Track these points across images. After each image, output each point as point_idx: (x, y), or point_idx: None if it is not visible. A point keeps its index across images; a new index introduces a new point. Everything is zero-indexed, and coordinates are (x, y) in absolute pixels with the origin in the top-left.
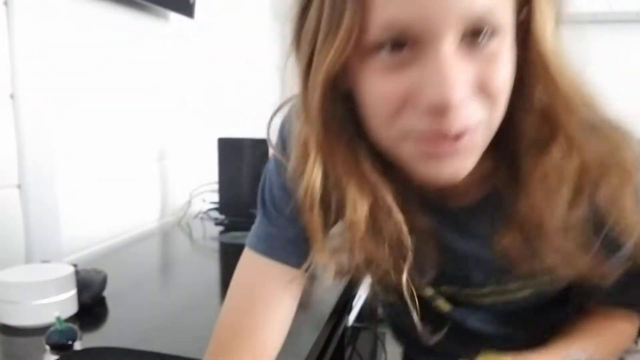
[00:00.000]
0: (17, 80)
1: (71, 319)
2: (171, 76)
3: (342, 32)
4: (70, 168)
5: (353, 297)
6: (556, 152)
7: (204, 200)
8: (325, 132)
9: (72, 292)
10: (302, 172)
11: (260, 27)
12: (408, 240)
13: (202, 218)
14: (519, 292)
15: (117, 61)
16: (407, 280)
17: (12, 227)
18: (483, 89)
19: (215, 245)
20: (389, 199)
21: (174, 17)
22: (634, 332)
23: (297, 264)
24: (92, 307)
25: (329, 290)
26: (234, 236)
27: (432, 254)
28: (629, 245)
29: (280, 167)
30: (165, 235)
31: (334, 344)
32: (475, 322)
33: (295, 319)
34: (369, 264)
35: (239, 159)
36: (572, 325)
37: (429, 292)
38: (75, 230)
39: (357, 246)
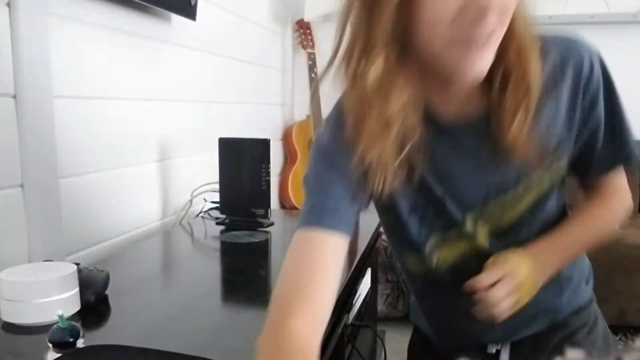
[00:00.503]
0: (19, 80)
1: (74, 317)
2: (173, 77)
3: None
4: (73, 167)
5: (353, 295)
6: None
7: (205, 200)
8: (389, 53)
9: (75, 290)
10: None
11: (260, 28)
12: (416, 134)
13: (203, 217)
14: (523, 199)
15: (119, 62)
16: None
17: (15, 226)
18: (503, 7)
19: (216, 245)
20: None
21: (176, 19)
22: (624, 207)
23: (344, 230)
24: (94, 305)
25: None
26: (234, 235)
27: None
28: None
29: (336, 132)
30: (166, 234)
31: (333, 342)
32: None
33: None
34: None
35: (240, 159)
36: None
37: (469, 225)
38: (78, 229)
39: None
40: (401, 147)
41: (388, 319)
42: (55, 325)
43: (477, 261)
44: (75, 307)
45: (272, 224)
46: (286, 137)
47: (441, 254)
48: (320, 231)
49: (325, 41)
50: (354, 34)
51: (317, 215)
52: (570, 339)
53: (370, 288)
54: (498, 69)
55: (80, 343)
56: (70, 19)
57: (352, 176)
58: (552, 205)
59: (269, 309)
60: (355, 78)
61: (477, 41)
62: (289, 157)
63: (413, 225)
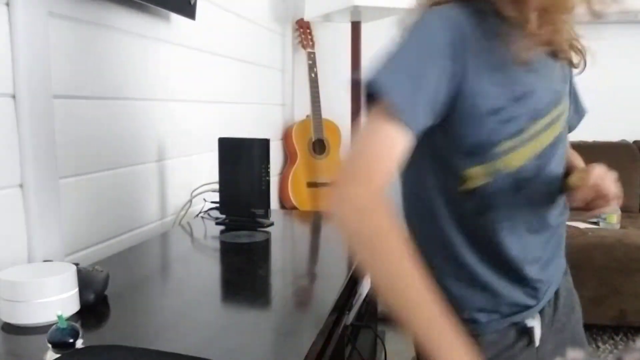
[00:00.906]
0: (18, 80)
1: (73, 317)
2: (172, 77)
3: None
4: (72, 167)
5: (353, 295)
6: None
7: (204, 200)
8: None
9: (74, 290)
10: None
11: (260, 28)
12: None
13: (202, 217)
14: (563, 117)
15: (118, 62)
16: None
17: (14, 226)
18: None
19: (216, 245)
20: None
21: (175, 18)
22: None
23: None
24: (93, 305)
25: (329, 288)
26: (234, 235)
27: None
28: None
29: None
30: (166, 234)
31: (334, 342)
32: (555, 162)
33: (294, 318)
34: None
35: (240, 159)
36: None
37: (542, 123)
38: (77, 229)
39: None
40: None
41: (388, 319)
42: (54, 326)
43: (535, 168)
44: (75, 307)
45: (271, 224)
46: (286, 137)
47: (507, 159)
48: (399, 127)
49: (325, 41)
50: None
51: (405, 108)
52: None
53: (371, 288)
54: None
55: (79, 343)
56: (69, 19)
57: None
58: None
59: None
60: None
61: None
62: (289, 157)
63: (491, 127)
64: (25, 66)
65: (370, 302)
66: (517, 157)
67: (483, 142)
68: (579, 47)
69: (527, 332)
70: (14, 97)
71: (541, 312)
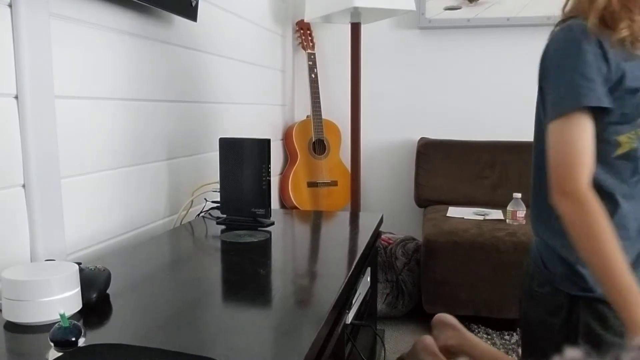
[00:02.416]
0: (21, 81)
1: (75, 316)
2: (174, 77)
3: None
4: (74, 167)
5: (353, 294)
6: None
7: (205, 200)
8: None
9: (76, 289)
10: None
11: (261, 29)
12: None
13: (203, 217)
14: None
15: (120, 63)
16: None
17: (17, 225)
18: None
19: (217, 244)
20: None
21: (177, 20)
22: None
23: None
24: (96, 304)
25: (328, 288)
26: (235, 235)
27: None
28: None
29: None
30: (167, 233)
31: (333, 341)
32: None
33: (295, 317)
34: None
35: (240, 159)
36: None
37: None
38: (79, 228)
39: None
40: None
41: (387, 318)
42: (56, 325)
43: None
44: (77, 306)
45: (272, 223)
46: (286, 137)
47: None
48: (586, 115)
49: (325, 42)
50: None
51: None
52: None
53: (370, 287)
54: None
55: (81, 342)
56: (71, 20)
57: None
58: None
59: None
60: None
61: None
62: (289, 157)
63: (638, 100)
64: (27, 67)
65: (369, 301)
66: None
67: (629, 113)
68: None
69: None
70: (16, 97)
71: None
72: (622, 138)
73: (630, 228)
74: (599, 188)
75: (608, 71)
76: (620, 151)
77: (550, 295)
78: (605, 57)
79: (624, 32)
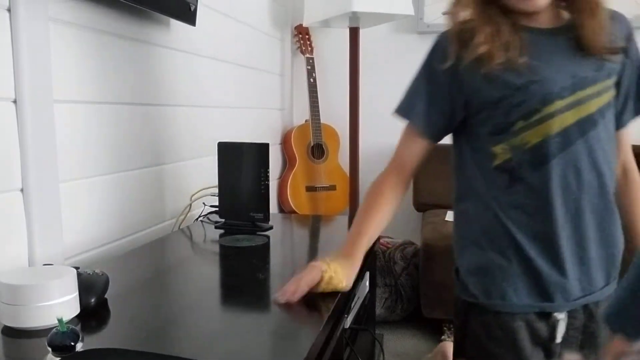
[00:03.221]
0: (19, 85)
1: (73, 321)
2: (172, 82)
3: None
4: (72, 172)
5: (351, 298)
6: None
7: (204, 204)
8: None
9: (74, 294)
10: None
11: (260, 34)
12: (510, 36)
13: (202, 221)
14: (594, 101)
15: (118, 67)
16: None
17: (15, 230)
18: None
19: (215, 248)
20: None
21: (175, 24)
22: None
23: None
24: (94, 309)
25: (327, 292)
26: (233, 239)
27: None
28: None
29: (440, 44)
30: (165, 238)
31: (332, 345)
32: (585, 145)
33: (294, 321)
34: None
35: (239, 163)
36: None
37: (558, 105)
38: (77, 233)
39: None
40: (503, 48)
41: (386, 323)
42: (54, 329)
43: (558, 145)
44: (75, 310)
45: (271, 227)
46: (285, 142)
47: (526, 136)
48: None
49: (323, 46)
50: None
51: (414, 116)
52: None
53: (369, 292)
54: None
55: (79, 347)
56: (70, 24)
57: (444, 84)
58: (610, 127)
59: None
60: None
61: None
62: (288, 161)
63: (503, 111)
64: (26, 71)
65: (368, 305)
66: (533, 135)
67: (498, 123)
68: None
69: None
70: (15, 102)
71: (572, 313)
72: (496, 149)
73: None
74: (479, 197)
75: (457, 89)
76: (497, 162)
77: (455, 300)
78: (455, 73)
79: (482, 49)
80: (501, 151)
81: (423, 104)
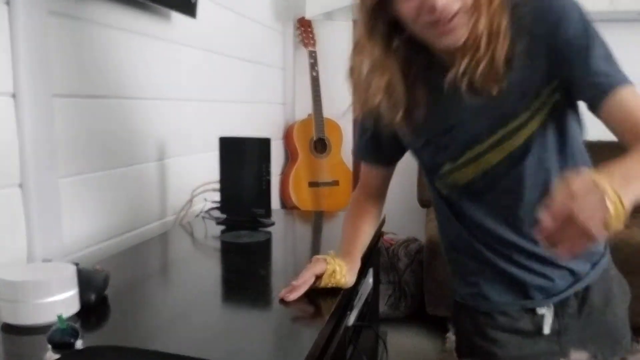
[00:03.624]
0: (18, 79)
1: (73, 317)
2: (173, 75)
3: None
4: (72, 167)
5: (355, 295)
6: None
7: (205, 200)
8: (374, 47)
9: (74, 291)
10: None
11: (261, 26)
12: (402, 94)
13: (203, 217)
14: (520, 133)
15: (118, 61)
16: (401, 118)
17: (14, 226)
18: None
19: (217, 244)
20: (397, 77)
21: (176, 16)
22: None
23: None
24: (93, 306)
25: (330, 289)
26: (235, 235)
27: (425, 108)
28: None
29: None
30: (166, 234)
31: (335, 343)
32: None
33: (297, 319)
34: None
35: (241, 158)
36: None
37: (478, 149)
38: (77, 229)
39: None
40: (406, 104)
41: (390, 320)
42: (54, 326)
43: (489, 182)
44: (75, 307)
45: (272, 223)
46: (287, 136)
47: (455, 176)
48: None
49: (326, 39)
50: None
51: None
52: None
53: (372, 289)
54: (475, 32)
55: (79, 344)
56: (69, 17)
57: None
58: (551, 142)
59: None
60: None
61: (441, 25)
62: (290, 156)
63: (435, 152)
64: (25, 65)
65: (372, 302)
66: (462, 176)
67: (428, 164)
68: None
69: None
70: (14, 96)
71: (563, 303)
72: (436, 184)
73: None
74: (442, 213)
75: (392, 133)
76: (442, 193)
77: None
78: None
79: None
80: (440, 186)
81: (370, 145)
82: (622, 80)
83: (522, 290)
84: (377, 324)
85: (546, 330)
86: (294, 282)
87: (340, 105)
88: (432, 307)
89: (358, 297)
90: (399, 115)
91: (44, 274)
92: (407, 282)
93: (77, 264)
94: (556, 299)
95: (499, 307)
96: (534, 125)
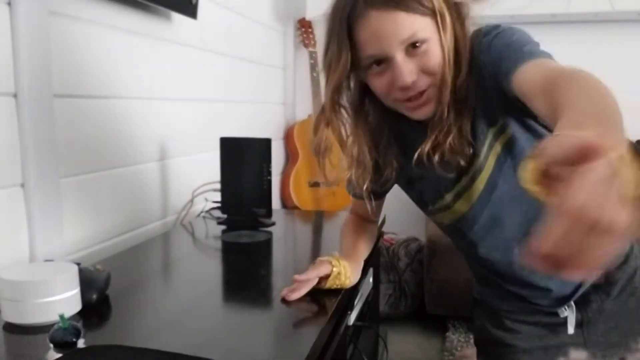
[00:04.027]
0: (19, 79)
1: (74, 317)
2: (173, 76)
3: (340, 65)
4: (73, 167)
5: (355, 295)
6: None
7: (206, 200)
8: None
9: (76, 290)
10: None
11: (262, 27)
12: (370, 164)
13: (204, 217)
14: (481, 176)
15: (119, 61)
16: (367, 187)
17: (16, 226)
18: (424, 70)
19: (218, 244)
20: (367, 148)
21: (177, 17)
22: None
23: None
24: (95, 305)
25: (330, 290)
26: (236, 235)
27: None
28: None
29: None
30: (167, 234)
31: (335, 342)
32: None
33: (297, 318)
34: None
35: (241, 159)
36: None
37: (448, 197)
38: (79, 228)
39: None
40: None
41: (390, 320)
42: (56, 325)
43: (467, 223)
44: (76, 307)
45: (273, 223)
46: (288, 137)
47: (439, 216)
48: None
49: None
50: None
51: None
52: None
53: (373, 288)
54: (443, 105)
55: (81, 343)
56: (70, 18)
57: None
58: (512, 168)
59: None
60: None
61: (413, 100)
62: (291, 157)
63: (415, 195)
64: (26, 65)
65: (372, 302)
66: (444, 217)
67: (416, 203)
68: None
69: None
70: (15, 96)
71: (585, 298)
72: (435, 218)
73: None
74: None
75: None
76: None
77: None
78: None
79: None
80: (439, 220)
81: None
82: (535, 54)
83: (535, 302)
84: (377, 323)
85: (570, 330)
86: (297, 277)
87: None
88: (432, 306)
89: (358, 296)
90: (367, 181)
91: (46, 273)
92: (407, 281)
93: (78, 264)
94: (576, 297)
95: (518, 307)
96: (490, 163)
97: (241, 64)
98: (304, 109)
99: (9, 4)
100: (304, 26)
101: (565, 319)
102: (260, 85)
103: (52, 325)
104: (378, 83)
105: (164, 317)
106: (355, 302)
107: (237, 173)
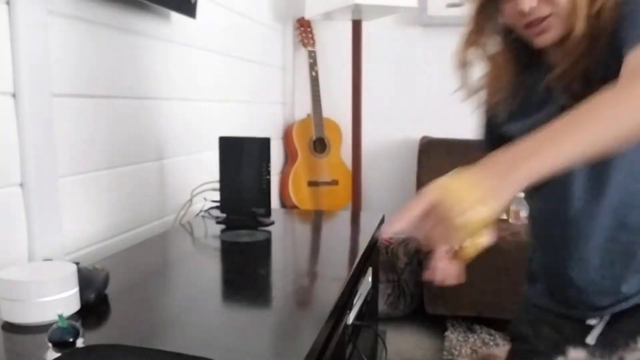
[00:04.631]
0: (18, 79)
1: (73, 316)
2: (172, 75)
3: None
4: (72, 166)
5: (354, 294)
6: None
7: (205, 199)
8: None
9: (74, 290)
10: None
11: (261, 26)
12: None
13: (203, 216)
14: None
15: (118, 61)
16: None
17: (14, 225)
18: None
19: (217, 244)
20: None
21: (176, 17)
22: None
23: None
24: (94, 304)
25: (329, 288)
26: (235, 234)
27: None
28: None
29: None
30: (166, 233)
31: (334, 341)
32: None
33: (295, 318)
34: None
35: (240, 158)
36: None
37: None
38: (77, 228)
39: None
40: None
41: (389, 319)
42: (54, 325)
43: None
44: (75, 306)
45: (272, 223)
46: (287, 136)
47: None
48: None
49: (325, 39)
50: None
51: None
52: None
53: (372, 288)
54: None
55: (80, 342)
56: (69, 17)
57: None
58: None
59: None
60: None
61: (533, 27)
62: (290, 156)
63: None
64: (25, 65)
65: (371, 301)
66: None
67: None
68: None
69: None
70: (14, 95)
71: (617, 316)
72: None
73: (536, 272)
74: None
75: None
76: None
77: None
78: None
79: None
80: (529, 203)
81: (487, 139)
82: None
83: (565, 302)
84: (376, 323)
85: (590, 340)
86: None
87: (339, 105)
88: (431, 306)
89: (357, 296)
90: (497, 99)
91: (45, 273)
92: (407, 281)
93: (77, 263)
94: (602, 313)
95: (547, 304)
96: None
97: (240, 64)
98: (303, 108)
99: (8, 3)
100: (303, 25)
101: (589, 326)
102: (259, 85)
103: (50, 324)
104: (508, 9)
105: (162, 317)
106: (354, 302)
107: (236, 172)
